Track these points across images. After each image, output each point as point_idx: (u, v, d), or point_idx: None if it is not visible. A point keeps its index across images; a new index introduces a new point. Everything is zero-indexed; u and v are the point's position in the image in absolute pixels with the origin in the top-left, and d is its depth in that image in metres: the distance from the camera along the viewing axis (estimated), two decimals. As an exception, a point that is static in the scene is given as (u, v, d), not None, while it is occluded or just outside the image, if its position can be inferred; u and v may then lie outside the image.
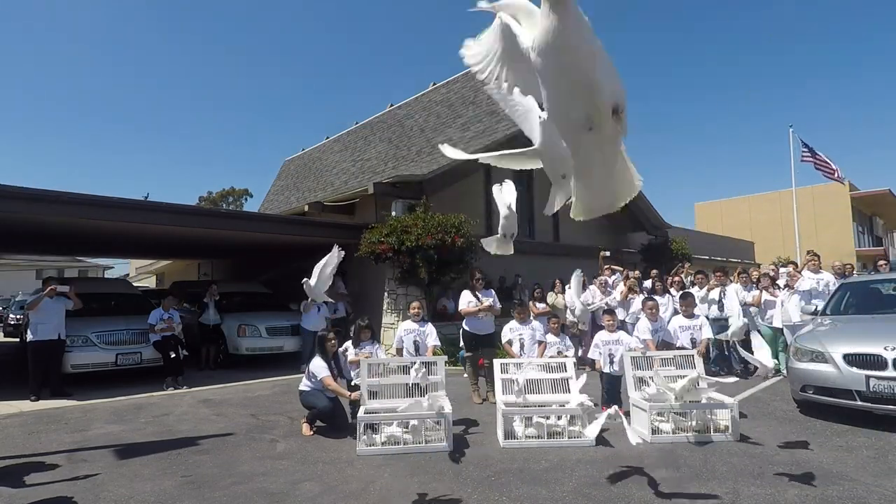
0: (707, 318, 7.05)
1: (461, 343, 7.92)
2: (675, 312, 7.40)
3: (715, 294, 8.21)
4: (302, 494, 3.74)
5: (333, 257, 7.53)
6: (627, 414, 5.43)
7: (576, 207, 1.82)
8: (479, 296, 6.76)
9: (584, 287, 9.21)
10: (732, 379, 5.90)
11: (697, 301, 7.44)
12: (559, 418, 4.94)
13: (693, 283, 8.91)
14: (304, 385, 5.44)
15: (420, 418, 4.78)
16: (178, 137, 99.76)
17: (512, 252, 3.40)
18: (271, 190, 24.73)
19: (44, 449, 4.91)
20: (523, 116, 1.80)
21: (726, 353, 8.28)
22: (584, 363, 8.02)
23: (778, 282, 8.54)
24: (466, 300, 6.75)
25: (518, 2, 1.42)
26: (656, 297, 7.46)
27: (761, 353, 5.56)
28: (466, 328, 6.87)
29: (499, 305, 6.86)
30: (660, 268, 11.24)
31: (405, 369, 5.44)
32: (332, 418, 5.34)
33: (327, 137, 23.58)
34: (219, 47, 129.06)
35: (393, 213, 10.36)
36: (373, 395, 5.23)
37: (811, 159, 16.46)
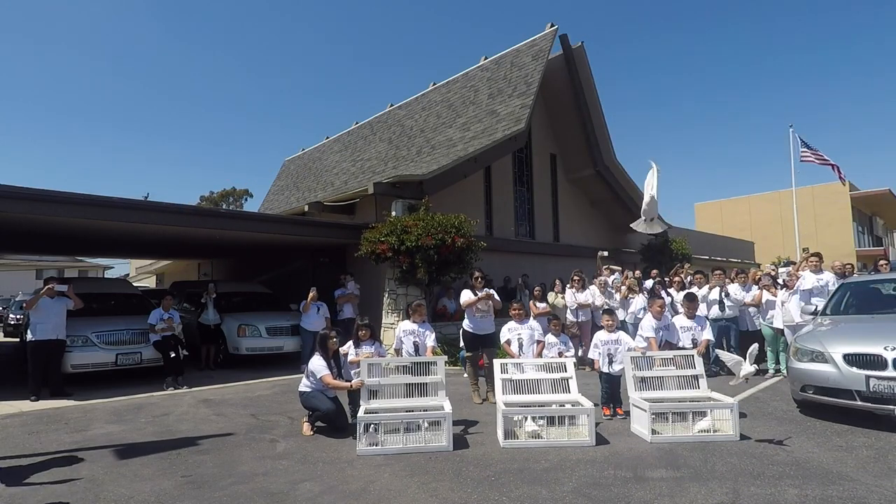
0: (707, 318, 7.06)
1: (461, 343, 7.91)
2: (676, 312, 7.40)
3: (715, 294, 8.21)
4: (302, 494, 3.74)
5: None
6: (628, 413, 5.44)
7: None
8: (479, 294, 6.75)
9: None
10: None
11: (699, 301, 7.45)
12: (550, 422, 4.95)
13: (692, 283, 8.91)
14: (304, 386, 5.43)
15: (421, 418, 4.80)
16: (178, 138, 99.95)
17: (659, 230, 4.75)
18: (271, 190, 24.74)
19: (44, 449, 4.91)
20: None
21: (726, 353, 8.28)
22: (583, 363, 8.03)
23: (778, 281, 8.53)
24: (466, 297, 6.74)
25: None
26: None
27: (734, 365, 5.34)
28: (467, 328, 6.87)
29: (497, 298, 6.85)
30: (659, 268, 11.28)
31: (405, 369, 5.45)
32: (334, 419, 5.34)
33: (327, 137, 23.59)
34: (219, 48, 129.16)
35: (393, 213, 10.36)
36: (373, 394, 5.23)
37: (811, 158, 16.29)
